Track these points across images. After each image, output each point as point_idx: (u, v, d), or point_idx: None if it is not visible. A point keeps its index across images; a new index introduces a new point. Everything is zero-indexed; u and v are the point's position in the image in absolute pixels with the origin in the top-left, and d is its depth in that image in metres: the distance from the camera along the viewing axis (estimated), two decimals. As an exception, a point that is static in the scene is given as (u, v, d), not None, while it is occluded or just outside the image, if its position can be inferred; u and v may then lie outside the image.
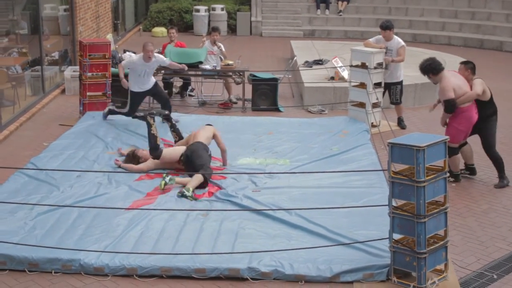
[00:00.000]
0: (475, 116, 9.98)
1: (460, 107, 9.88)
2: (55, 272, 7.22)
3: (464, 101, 9.88)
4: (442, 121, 10.27)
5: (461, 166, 10.42)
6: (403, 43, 12.79)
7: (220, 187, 9.39)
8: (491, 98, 10.12)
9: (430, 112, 10.96)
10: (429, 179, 6.74)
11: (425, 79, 14.95)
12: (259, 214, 8.44)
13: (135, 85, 12.20)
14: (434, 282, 6.94)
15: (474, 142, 10.48)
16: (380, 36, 12.80)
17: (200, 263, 7.21)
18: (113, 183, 9.48)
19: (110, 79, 13.16)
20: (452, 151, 9.74)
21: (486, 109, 10.06)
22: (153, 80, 12.41)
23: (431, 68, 10.00)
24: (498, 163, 10.22)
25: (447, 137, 7.15)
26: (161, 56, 12.66)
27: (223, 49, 14.62)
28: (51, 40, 15.97)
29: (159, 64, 12.48)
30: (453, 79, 9.91)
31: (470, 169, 10.46)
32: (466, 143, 10.34)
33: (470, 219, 8.95)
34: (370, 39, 13.09)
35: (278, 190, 9.33)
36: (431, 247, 6.86)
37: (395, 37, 12.79)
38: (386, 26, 12.68)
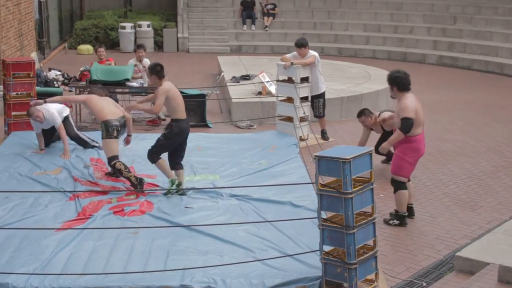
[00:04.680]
0: (423, 148, 9.24)
1: (408, 136, 9.00)
2: (-18, 298, 7.06)
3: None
4: (389, 145, 9.41)
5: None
6: (314, 53, 12.95)
7: (152, 204, 9.36)
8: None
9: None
10: (356, 190, 6.83)
11: (350, 92, 15.42)
12: (190, 231, 8.41)
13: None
14: (365, 292, 7.05)
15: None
16: (296, 53, 12.98)
17: (132, 282, 7.12)
18: (42, 204, 9.29)
19: (35, 98, 12.94)
20: (398, 186, 9.08)
21: None
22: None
23: (403, 83, 9.00)
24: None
25: (371, 148, 7.22)
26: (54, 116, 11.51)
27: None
28: (-28, 60, 15.62)
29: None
30: (416, 103, 9.10)
31: (408, 209, 9.36)
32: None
33: (399, 229, 9.12)
34: (288, 55, 13.26)
35: (209, 206, 9.34)
36: (361, 258, 6.94)
37: (310, 52, 12.95)
38: (301, 44, 12.85)
